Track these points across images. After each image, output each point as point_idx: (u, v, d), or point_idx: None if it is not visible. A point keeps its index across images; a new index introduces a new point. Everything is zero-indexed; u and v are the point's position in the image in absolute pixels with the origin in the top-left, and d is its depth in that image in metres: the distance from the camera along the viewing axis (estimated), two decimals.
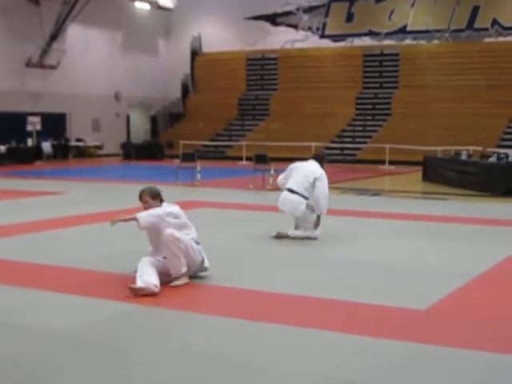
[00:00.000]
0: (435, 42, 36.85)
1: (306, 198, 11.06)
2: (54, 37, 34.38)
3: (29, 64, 33.96)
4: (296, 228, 11.28)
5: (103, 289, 7.87)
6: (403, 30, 37.11)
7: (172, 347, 5.88)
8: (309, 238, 11.03)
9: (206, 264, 8.51)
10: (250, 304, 7.32)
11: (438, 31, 36.36)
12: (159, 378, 5.20)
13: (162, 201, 8.43)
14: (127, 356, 5.65)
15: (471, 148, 23.95)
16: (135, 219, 8.21)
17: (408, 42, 37.25)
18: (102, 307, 7.10)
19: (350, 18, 38.21)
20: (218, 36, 40.58)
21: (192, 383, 5.13)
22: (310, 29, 39.18)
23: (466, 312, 7.10)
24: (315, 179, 11.13)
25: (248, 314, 6.84)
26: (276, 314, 6.86)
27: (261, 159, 19.93)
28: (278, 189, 12.60)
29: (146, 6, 40.28)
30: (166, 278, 7.97)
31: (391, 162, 29.54)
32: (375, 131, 35.11)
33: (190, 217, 13.73)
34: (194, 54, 41.60)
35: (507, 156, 19.62)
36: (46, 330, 6.33)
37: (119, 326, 6.51)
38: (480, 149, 23.05)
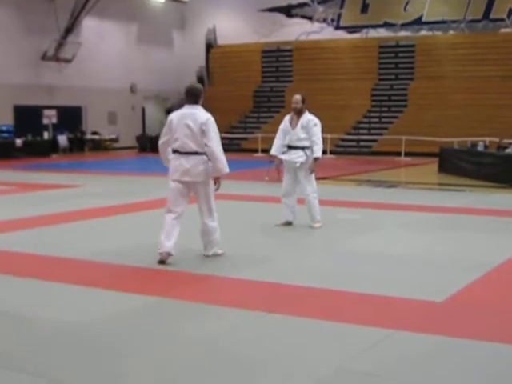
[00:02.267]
0: (451, 32, 36.65)
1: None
2: (69, 30, 34.41)
3: (44, 57, 34.04)
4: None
5: (119, 281, 7.90)
6: (419, 21, 36.93)
7: (185, 339, 5.89)
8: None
9: (220, 251, 8.84)
10: (265, 296, 7.32)
11: (454, 22, 36.17)
12: (170, 371, 5.22)
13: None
14: (136, 349, 5.66)
15: (488, 139, 23.82)
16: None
17: (424, 32, 37.08)
18: (117, 300, 7.12)
19: (365, 9, 38.06)
20: (233, 28, 40.52)
21: (204, 376, 5.14)
22: (324, 20, 39.05)
23: (483, 304, 7.08)
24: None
25: (264, 305, 6.83)
26: (292, 306, 6.86)
27: None
28: None
29: None
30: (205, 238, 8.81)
31: (407, 154, 29.44)
32: (391, 123, 34.99)
33: None
34: (209, 46, 41.56)
35: None
36: (59, 322, 6.36)
37: (131, 318, 6.52)
38: (497, 140, 22.94)
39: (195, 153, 8.65)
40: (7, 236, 10.81)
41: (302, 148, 11.28)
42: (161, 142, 8.95)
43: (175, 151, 8.74)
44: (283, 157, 11.46)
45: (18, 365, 5.34)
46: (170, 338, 5.92)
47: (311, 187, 11.42)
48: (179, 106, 32.93)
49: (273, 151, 11.56)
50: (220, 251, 9.18)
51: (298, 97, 11.48)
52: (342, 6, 38.60)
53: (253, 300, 7.15)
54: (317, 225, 11.43)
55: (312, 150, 11.23)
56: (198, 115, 8.66)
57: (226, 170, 8.77)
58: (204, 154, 8.66)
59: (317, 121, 11.36)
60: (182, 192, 8.78)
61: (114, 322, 6.38)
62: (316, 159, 11.25)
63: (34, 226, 11.71)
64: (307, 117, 11.39)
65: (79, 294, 7.38)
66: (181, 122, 8.64)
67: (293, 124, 11.39)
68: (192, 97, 8.80)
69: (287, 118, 11.61)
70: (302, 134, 11.29)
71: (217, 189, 8.91)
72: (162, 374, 5.15)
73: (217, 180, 8.83)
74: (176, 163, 8.72)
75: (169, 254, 8.66)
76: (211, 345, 5.73)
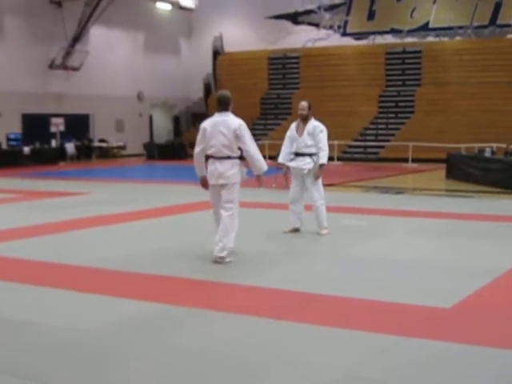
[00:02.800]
0: (457, 38, 36.63)
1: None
2: (76, 38, 34.53)
3: (52, 66, 34.16)
4: None
5: (124, 288, 7.91)
6: (425, 27, 36.91)
7: (192, 346, 5.89)
8: None
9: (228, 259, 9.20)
10: (273, 302, 7.32)
11: (461, 28, 36.15)
12: (174, 378, 5.22)
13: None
14: (139, 356, 5.65)
15: (495, 145, 23.79)
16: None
17: (430, 39, 37.07)
18: (122, 307, 7.13)
19: (371, 15, 38.07)
20: (240, 36, 40.58)
21: (210, 383, 5.14)
22: (331, 27, 39.07)
23: (492, 309, 7.06)
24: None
25: (271, 312, 6.83)
26: (300, 313, 6.86)
27: None
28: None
29: (168, 7, 40.40)
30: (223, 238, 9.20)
31: (414, 160, 29.41)
32: (398, 129, 34.96)
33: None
34: (216, 53, 41.62)
35: None
36: (65, 329, 6.37)
37: (136, 325, 6.52)
38: (504, 146, 22.90)
39: (228, 157, 9.16)
40: (14, 243, 10.83)
41: (310, 155, 11.29)
42: (197, 150, 9.36)
43: (210, 157, 9.22)
44: (291, 164, 11.46)
45: (19, 371, 5.36)
46: (175, 345, 5.92)
47: (319, 194, 11.43)
48: (186, 113, 32.91)
49: (280, 159, 11.56)
50: (228, 259, 9.26)
51: (304, 103, 11.52)
52: (348, 13, 38.61)
53: (260, 307, 7.15)
54: (324, 231, 11.43)
55: (319, 156, 11.25)
56: (230, 122, 9.20)
57: (265, 168, 9.40)
58: (236, 157, 9.22)
59: (323, 127, 11.37)
60: (217, 194, 9.33)
61: (119, 329, 6.39)
62: (322, 166, 11.26)
63: (40, 234, 11.73)
64: (313, 123, 11.41)
65: (84, 301, 7.38)
66: (214, 129, 9.15)
67: (299, 131, 11.41)
68: (223, 104, 9.33)
69: (293, 125, 11.64)
70: (308, 140, 11.30)
71: (259, 186, 9.62)
72: (165, 380, 5.16)
73: (258, 178, 9.53)
74: (211, 168, 9.24)
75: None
76: (218, 352, 5.73)
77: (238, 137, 9.10)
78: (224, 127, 9.12)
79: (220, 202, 9.32)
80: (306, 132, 11.32)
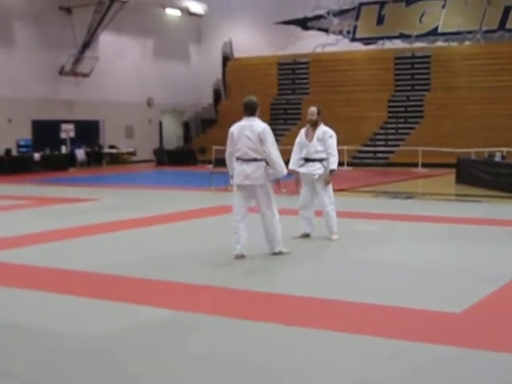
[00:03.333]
0: (467, 43, 36.59)
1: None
2: (86, 45, 34.64)
3: (62, 72, 34.27)
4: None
5: (132, 294, 7.93)
6: (434, 32, 36.90)
7: (201, 352, 5.90)
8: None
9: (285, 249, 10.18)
10: (283, 308, 7.33)
11: (470, 32, 36.10)
12: None
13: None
14: (148, 363, 5.66)
15: (505, 149, 23.76)
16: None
17: (439, 43, 37.04)
18: (129, 313, 7.16)
19: (380, 20, 38.08)
20: (249, 41, 40.65)
21: None
22: (340, 32, 39.08)
23: (502, 315, 7.05)
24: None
25: (282, 318, 6.84)
26: (310, 319, 6.87)
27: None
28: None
29: (177, 13, 40.50)
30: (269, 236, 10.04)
31: (424, 165, 29.37)
32: (408, 134, 34.93)
33: (223, 221, 13.82)
34: (226, 59, 41.69)
35: None
36: (73, 335, 6.40)
37: (145, 331, 6.54)
38: None
39: (255, 159, 9.74)
40: (24, 250, 10.87)
41: (320, 160, 11.29)
42: (227, 153, 10.13)
43: (238, 159, 9.84)
44: (301, 170, 11.46)
45: (23, 377, 5.39)
46: (184, 351, 5.93)
47: (329, 199, 11.43)
48: (196, 119, 32.99)
49: (291, 166, 11.53)
50: (285, 250, 10.11)
51: (313, 109, 11.54)
52: (357, 18, 38.63)
53: (271, 312, 7.17)
54: (334, 237, 11.43)
55: (328, 162, 11.27)
56: (255, 126, 9.78)
57: (284, 172, 9.97)
58: (262, 160, 9.76)
59: (332, 132, 11.39)
60: (244, 196, 9.92)
61: (127, 335, 6.41)
62: (332, 171, 11.28)
63: (51, 240, 11.77)
64: (322, 129, 11.43)
65: (92, 307, 7.41)
66: (241, 133, 9.79)
67: (309, 137, 11.42)
68: (249, 109, 9.94)
69: (303, 131, 11.65)
70: (318, 146, 11.32)
71: (278, 188, 10.27)
72: None
73: (277, 181, 10.22)
74: (239, 169, 9.83)
75: (242, 256, 9.78)
76: (227, 357, 5.75)
77: (261, 140, 9.66)
78: (249, 131, 9.71)
79: (246, 204, 9.98)
80: (315, 138, 11.34)
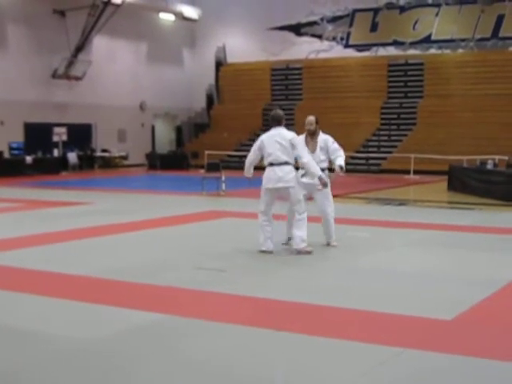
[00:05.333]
0: (460, 51, 36.72)
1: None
2: (79, 48, 34.63)
3: (55, 75, 34.25)
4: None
5: (125, 299, 7.91)
6: (428, 40, 37.02)
7: (191, 357, 5.89)
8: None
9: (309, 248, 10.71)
10: (274, 313, 7.32)
11: (463, 40, 36.24)
12: None
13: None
14: (142, 367, 5.64)
15: (497, 157, 23.79)
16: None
17: (433, 51, 37.16)
18: (123, 317, 7.12)
19: (374, 27, 38.18)
20: (243, 46, 40.70)
21: None
22: (334, 39, 39.18)
23: (493, 322, 7.05)
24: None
25: (272, 323, 6.83)
26: (301, 324, 6.86)
27: None
28: None
29: (171, 17, 40.51)
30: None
31: (416, 172, 29.43)
32: (400, 141, 35.01)
33: (215, 226, 13.83)
34: (219, 64, 41.74)
35: None
36: (66, 339, 6.37)
37: (138, 336, 6.52)
38: (506, 158, 22.91)
39: (286, 163, 10.44)
40: (16, 253, 10.84)
41: (323, 170, 11.14)
42: (250, 159, 10.96)
43: (270, 164, 10.53)
44: (304, 180, 11.17)
45: (18, 381, 5.36)
46: (178, 356, 5.92)
47: (331, 207, 11.37)
48: (188, 123, 33.08)
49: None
50: (308, 248, 10.61)
51: (311, 118, 11.55)
52: (351, 25, 38.73)
53: (262, 318, 7.15)
54: (335, 243, 11.39)
55: (336, 160, 11.26)
56: (284, 134, 10.62)
57: (319, 172, 10.57)
58: (292, 164, 10.54)
59: (331, 138, 11.43)
60: (272, 198, 10.69)
61: (121, 339, 6.39)
62: (341, 168, 11.24)
63: (42, 243, 11.73)
64: (322, 137, 11.41)
65: (85, 310, 7.38)
66: (271, 140, 10.57)
67: (310, 147, 11.23)
68: (276, 121, 10.74)
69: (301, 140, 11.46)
70: (322, 155, 11.29)
71: (323, 187, 10.79)
72: None
73: (321, 180, 10.63)
74: (270, 173, 10.51)
75: (271, 252, 10.59)
76: (218, 363, 5.73)
77: (293, 145, 10.45)
78: (280, 137, 10.52)
79: (272, 207, 10.79)
80: (318, 148, 11.29)
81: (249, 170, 11.08)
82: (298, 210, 10.58)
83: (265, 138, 10.68)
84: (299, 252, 10.55)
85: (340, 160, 11.26)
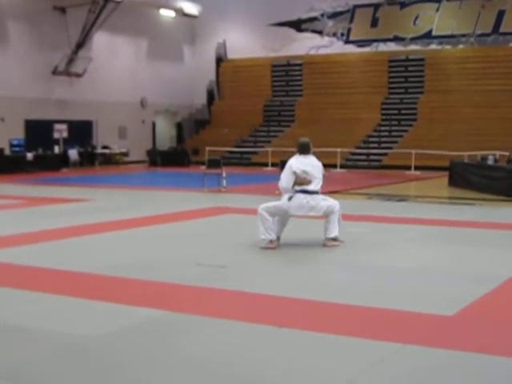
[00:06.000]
0: (460, 46, 36.65)
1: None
2: (80, 45, 34.59)
3: (55, 72, 34.22)
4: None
5: (125, 295, 7.91)
6: (428, 35, 36.96)
7: (192, 354, 5.89)
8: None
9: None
10: (276, 310, 7.32)
11: (464, 36, 36.18)
12: None
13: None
14: (142, 364, 5.64)
15: (498, 153, 23.81)
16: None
17: (433, 46, 37.09)
18: (123, 314, 7.12)
19: (374, 23, 38.12)
20: (243, 42, 40.65)
21: None
22: (334, 34, 39.12)
23: (495, 317, 7.05)
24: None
25: (274, 320, 6.83)
26: (300, 320, 6.86)
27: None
28: None
29: (171, 14, 40.45)
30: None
31: (417, 168, 29.43)
32: (401, 136, 34.99)
33: (216, 222, 13.83)
34: (219, 60, 41.70)
35: None
36: (66, 335, 6.37)
37: (137, 333, 6.52)
38: (506, 153, 22.91)
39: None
40: (16, 250, 10.84)
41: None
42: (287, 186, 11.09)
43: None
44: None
45: (18, 378, 5.37)
46: (179, 353, 5.92)
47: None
48: (189, 120, 33.13)
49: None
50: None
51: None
52: (351, 21, 38.67)
53: (262, 314, 7.15)
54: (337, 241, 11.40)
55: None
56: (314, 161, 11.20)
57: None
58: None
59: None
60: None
61: (120, 336, 6.38)
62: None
63: (42, 240, 11.73)
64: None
65: (85, 307, 7.38)
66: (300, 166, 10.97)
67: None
68: (306, 149, 11.19)
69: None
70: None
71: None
72: None
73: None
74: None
75: (278, 238, 11.05)
76: (219, 360, 5.73)
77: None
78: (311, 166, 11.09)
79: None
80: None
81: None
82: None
83: (293, 163, 11.10)
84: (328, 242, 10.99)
85: None
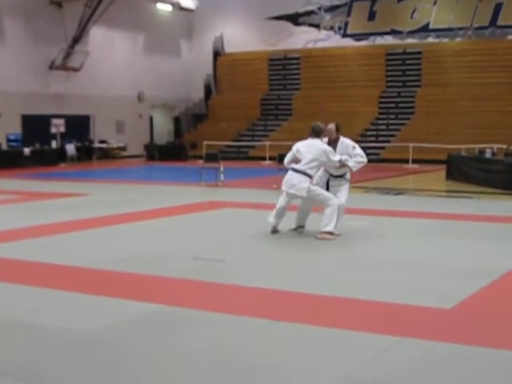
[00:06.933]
0: (458, 39, 36.62)
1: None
2: (76, 39, 34.54)
3: (52, 66, 34.16)
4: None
5: (125, 289, 7.90)
6: (426, 28, 36.93)
7: (193, 348, 5.88)
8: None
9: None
10: (273, 304, 7.32)
11: (461, 29, 36.15)
12: (178, 380, 5.22)
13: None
14: (145, 358, 5.64)
15: (495, 146, 23.78)
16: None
17: (431, 40, 37.06)
18: (124, 308, 7.12)
19: (372, 16, 38.08)
20: (240, 36, 40.59)
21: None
22: (331, 28, 39.08)
23: (492, 310, 7.06)
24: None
25: (271, 313, 6.83)
26: (300, 314, 6.86)
27: (283, 159, 19.89)
28: None
29: (168, 8, 40.36)
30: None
31: (415, 161, 29.43)
32: (398, 130, 34.99)
33: (214, 216, 13.83)
34: (217, 54, 41.64)
35: None
36: (66, 330, 6.37)
37: (139, 326, 6.52)
38: (504, 147, 22.89)
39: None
40: (15, 245, 10.83)
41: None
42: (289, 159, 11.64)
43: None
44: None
45: (20, 373, 5.37)
46: (178, 347, 5.92)
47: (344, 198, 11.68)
48: (186, 114, 33.11)
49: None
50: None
51: (331, 126, 11.70)
52: (348, 14, 38.63)
53: (261, 308, 7.15)
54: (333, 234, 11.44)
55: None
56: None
57: (355, 169, 11.81)
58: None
59: (352, 142, 11.83)
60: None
61: (120, 331, 6.39)
62: (345, 165, 11.56)
63: (40, 235, 11.72)
64: (343, 142, 11.61)
65: (85, 301, 7.38)
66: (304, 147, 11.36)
67: None
68: (313, 132, 11.46)
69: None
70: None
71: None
72: (172, 381, 5.16)
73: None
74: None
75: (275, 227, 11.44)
76: (218, 353, 5.73)
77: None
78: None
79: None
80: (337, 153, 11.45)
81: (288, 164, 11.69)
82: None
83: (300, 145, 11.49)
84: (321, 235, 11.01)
85: (352, 161, 11.52)
